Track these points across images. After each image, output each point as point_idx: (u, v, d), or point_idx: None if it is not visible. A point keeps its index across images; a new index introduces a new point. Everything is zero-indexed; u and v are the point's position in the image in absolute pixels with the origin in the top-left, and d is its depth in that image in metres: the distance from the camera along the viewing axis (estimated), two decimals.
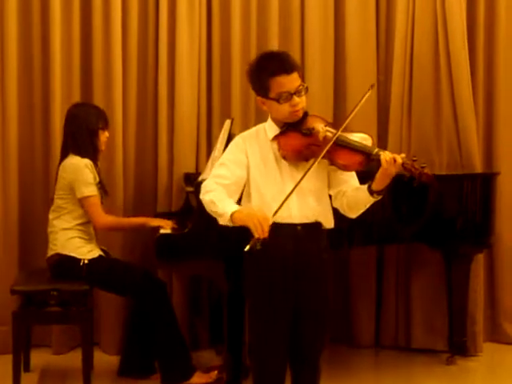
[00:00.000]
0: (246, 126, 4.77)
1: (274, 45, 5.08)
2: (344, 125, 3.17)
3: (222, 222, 3.09)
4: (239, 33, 5.14)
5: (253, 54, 5.11)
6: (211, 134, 5.17)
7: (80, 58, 5.06)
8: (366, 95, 3.21)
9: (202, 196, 3.18)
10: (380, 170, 3.07)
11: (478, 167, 5.08)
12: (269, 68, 3.15)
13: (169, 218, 4.58)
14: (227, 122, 4.60)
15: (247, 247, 2.97)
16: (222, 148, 4.37)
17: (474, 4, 5.23)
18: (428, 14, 5.11)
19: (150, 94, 5.17)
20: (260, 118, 4.83)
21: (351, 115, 3.20)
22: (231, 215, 3.02)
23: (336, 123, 3.27)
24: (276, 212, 3.02)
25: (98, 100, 4.97)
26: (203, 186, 3.20)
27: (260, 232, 2.93)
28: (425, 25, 5.12)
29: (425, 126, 5.17)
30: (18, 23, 5.00)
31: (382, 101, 5.30)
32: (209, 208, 3.14)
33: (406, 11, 5.15)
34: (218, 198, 3.10)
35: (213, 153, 4.59)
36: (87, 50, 5.08)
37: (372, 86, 3.23)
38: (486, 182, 4.83)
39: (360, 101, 3.19)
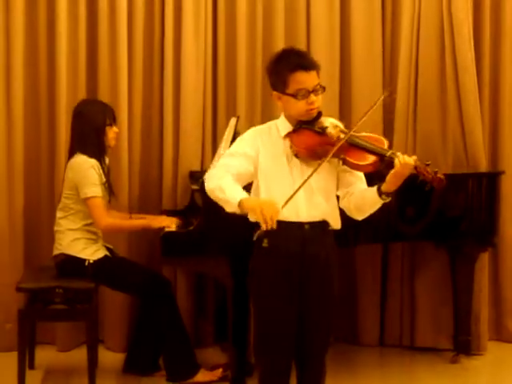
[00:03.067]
0: (251, 124, 4.75)
1: (279, 43, 5.07)
2: (357, 125, 3.18)
3: (229, 208, 3.06)
4: (245, 30, 5.14)
5: (258, 52, 5.13)
6: (216, 132, 5.17)
7: (86, 56, 5.06)
8: (381, 99, 3.22)
9: (206, 183, 3.15)
10: (392, 172, 3.07)
11: (484, 166, 5.07)
12: (289, 63, 3.16)
13: (174, 216, 4.59)
14: (233, 120, 4.60)
15: (255, 237, 2.97)
16: (228, 146, 4.37)
17: (479, 6, 5.21)
18: (434, 16, 5.10)
19: (156, 92, 5.17)
20: (266, 116, 4.90)
21: (364, 117, 3.21)
22: (240, 202, 3.00)
23: (348, 125, 3.27)
24: (284, 205, 3.01)
25: (104, 98, 4.95)
26: (209, 174, 3.18)
27: (268, 221, 2.90)
28: (431, 26, 5.11)
29: (430, 125, 5.17)
30: (25, 21, 5.00)
31: (388, 101, 5.29)
32: (214, 194, 3.10)
33: (412, 13, 5.13)
34: (227, 184, 3.06)
35: (218, 151, 4.60)
36: (93, 47, 5.07)
37: (390, 94, 3.23)
38: (491, 181, 4.83)
39: (374, 104, 3.21)
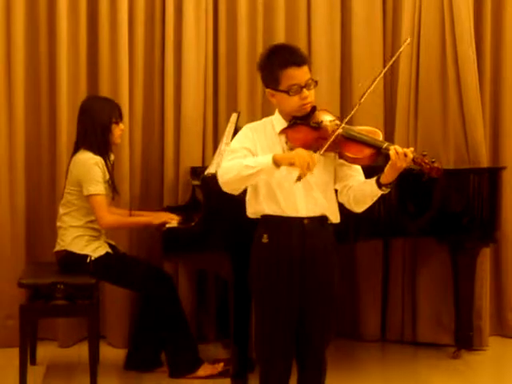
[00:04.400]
0: (252, 120, 4.70)
1: (280, 38, 5.08)
2: (350, 115, 3.19)
3: (263, 175, 3.07)
4: (245, 26, 5.13)
5: (259, 48, 5.11)
6: (217, 128, 5.17)
7: (86, 52, 5.06)
8: (371, 89, 3.21)
9: (222, 178, 3.13)
10: (389, 163, 3.07)
11: (485, 162, 5.07)
12: (280, 60, 3.16)
13: (175, 212, 4.58)
14: (233, 116, 4.60)
15: (295, 181, 2.98)
16: (229, 142, 4.37)
17: (481, 0, 5.21)
18: (435, 11, 5.09)
19: (157, 88, 5.16)
20: (266, 112, 4.86)
21: (355, 109, 3.21)
22: (273, 160, 3.01)
23: (347, 120, 3.26)
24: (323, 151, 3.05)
25: (104, 94, 4.95)
26: (220, 170, 3.16)
27: (306, 168, 2.95)
28: (431, 20, 5.10)
29: (431, 121, 5.16)
30: (25, 18, 4.99)
31: (389, 97, 5.29)
32: (238, 177, 3.07)
33: (413, 7, 5.13)
34: (246, 160, 3.08)
35: (219, 146, 4.60)
36: (93, 43, 5.07)
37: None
38: (492, 177, 4.83)
39: (373, 82, 3.20)
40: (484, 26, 5.20)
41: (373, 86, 3.22)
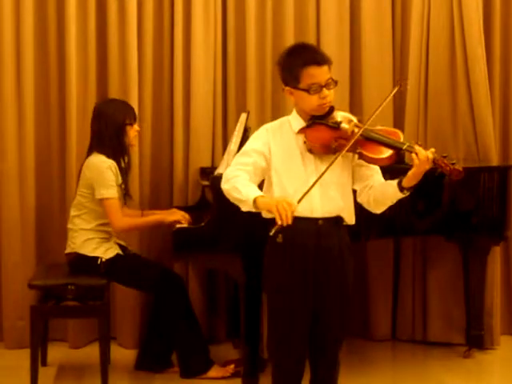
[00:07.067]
0: (261, 120, 4.79)
1: (289, 38, 5.08)
2: (370, 119, 3.17)
3: (245, 207, 3.08)
4: (254, 26, 5.12)
5: (268, 48, 5.13)
6: (227, 128, 5.17)
7: (96, 54, 5.06)
8: (394, 91, 3.22)
9: (223, 184, 3.16)
10: (413, 169, 3.06)
11: (495, 160, 5.05)
12: (301, 58, 3.17)
13: (185, 212, 4.58)
14: (243, 116, 4.60)
15: (272, 231, 2.96)
16: (238, 142, 4.38)
17: None
18: (444, 8, 5.09)
19: (166, 89, 5.16)
20: (276, 111, 4.90)
21: (378, 109, 3.21)
22: (254, 200, 3.00)
23: (362, 119, 3.27)
24: (300, 200, 3.00)
25: (114, 96, 4.95)
26: (224, 174, 3.19)
27: (284, 218, 2.91)
28: (440, 20, 5.09)
29: (441, 120, 5.15)
30: (34, 21, 5.00)
31: (398, 95, 5.26)
32: (231, 195, 3.11)
33: (422, 6, 5.12)
34: (241, 183, 3.08)
35: (228, 146, 4.59)
36: (103, 45, 5.07)
37: (399, 83, 3.22)
38: (502, 175, 4.81)
39: (387, 97, 3.21)
40: (493, 21, 5.18)
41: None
